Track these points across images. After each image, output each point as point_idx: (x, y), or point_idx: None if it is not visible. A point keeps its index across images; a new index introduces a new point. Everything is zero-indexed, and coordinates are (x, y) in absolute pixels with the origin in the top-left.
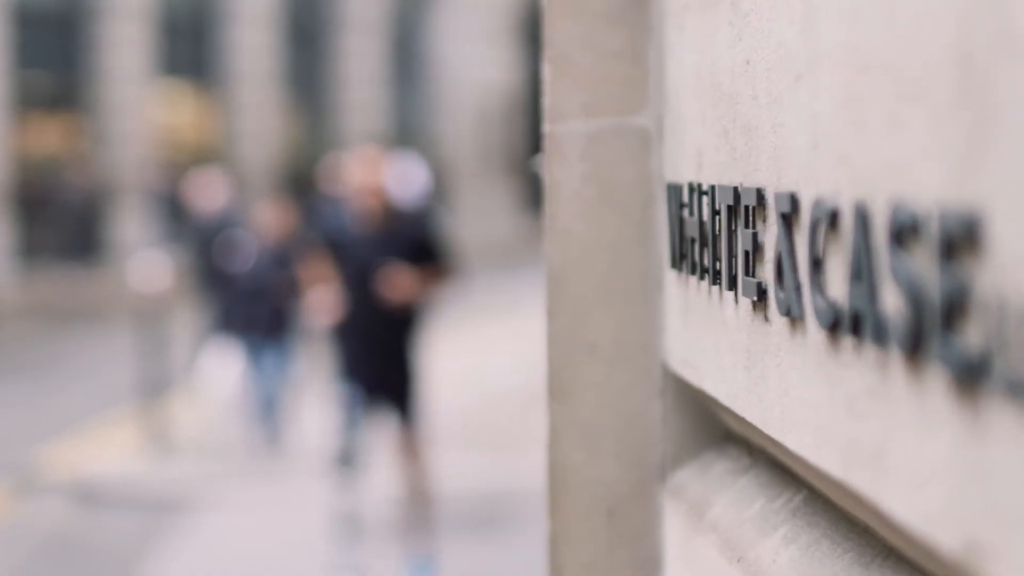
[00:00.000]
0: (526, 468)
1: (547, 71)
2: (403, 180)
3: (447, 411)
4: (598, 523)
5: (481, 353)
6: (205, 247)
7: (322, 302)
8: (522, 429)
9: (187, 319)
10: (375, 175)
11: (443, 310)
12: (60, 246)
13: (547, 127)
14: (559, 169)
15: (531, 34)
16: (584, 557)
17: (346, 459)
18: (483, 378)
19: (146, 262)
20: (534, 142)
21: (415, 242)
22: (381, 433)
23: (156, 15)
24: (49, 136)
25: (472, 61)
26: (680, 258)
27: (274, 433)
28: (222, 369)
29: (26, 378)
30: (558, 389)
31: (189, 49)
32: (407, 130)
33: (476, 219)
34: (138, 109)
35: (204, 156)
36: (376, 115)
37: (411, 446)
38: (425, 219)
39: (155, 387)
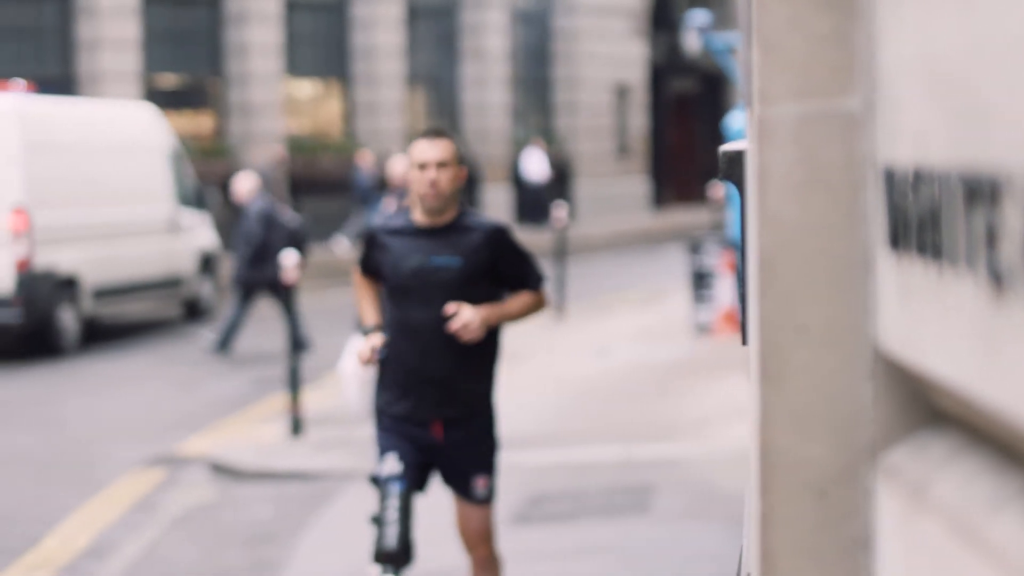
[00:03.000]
0: (649, 453)
1: (756, 54)
2: (527, 168)
3: (572, 400)
4: (808, 504)
5: (604, 342)
6: (250, 239)
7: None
8: (649, 416)
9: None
10: (442, 150)
11: (565, 303)
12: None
13: (756, 111)
14: (768, 153)
15: (655, 28)
16: (794, 537)
17: (395, 560)
18: (610, 368)
19: (285, 253)
20: (657, 134)
21: (487, 245)
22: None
23: (291, 14)
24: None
25: (600, 55)
26: (899, 240)
27: None
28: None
29: (185, 360)
30: (768, 371)
31: (324, 47)
32: (536, 123)
33: (603, 210)
34: (274, 104)
35: (338, 151)
36: (507, 110)
37: (479, 530)
38: (494, 223)
39: (300, 371)
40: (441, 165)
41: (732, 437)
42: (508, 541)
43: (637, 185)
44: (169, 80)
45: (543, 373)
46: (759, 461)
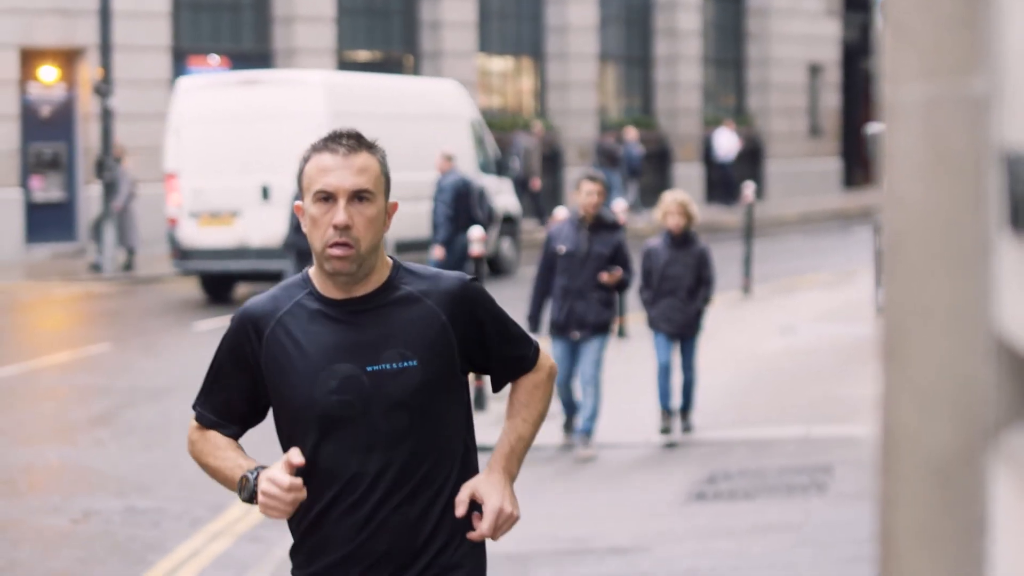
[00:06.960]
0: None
1: (886, 36)
2: (717, 147)
3: (754, 377)
4: (929, 486)
5: (789, 321)
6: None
7: None
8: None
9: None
10: (361, 171)
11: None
12: None
13: (886, 93)
14: (897, 135)
15: (847, 7)
16: (914, 519)
17: None
18: (793, 347)
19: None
20: (849, 114)
21: (452, 322)
22: None
23: None
24: None
25: (793, 34)
26: (1020, 224)
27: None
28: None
29: None
30: (891, 351)
31: (516, 24)
32: (727, 102)
33: (794, 189)
34: (467, 80)
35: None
36: (698, 89)
37: None
38: (455, 278)
39: None
40: (359, 196)
41: None
42: (685, 517)
43: (828, 165)
44: (362, 56)
45: (726, 350)
46: (881, 442)
